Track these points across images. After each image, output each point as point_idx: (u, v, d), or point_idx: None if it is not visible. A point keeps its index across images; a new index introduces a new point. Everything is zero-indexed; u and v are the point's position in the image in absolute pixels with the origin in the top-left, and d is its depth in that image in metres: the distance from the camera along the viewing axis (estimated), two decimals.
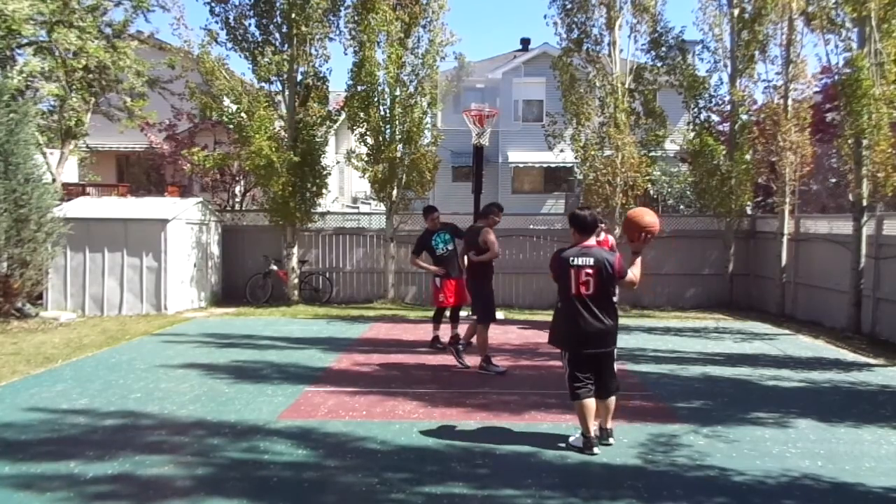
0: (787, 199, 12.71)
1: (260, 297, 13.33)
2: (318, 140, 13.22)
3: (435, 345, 8.79)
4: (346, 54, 13.36)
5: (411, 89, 12.99)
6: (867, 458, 4.97)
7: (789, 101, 12.70)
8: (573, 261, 4.95)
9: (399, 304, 13.51)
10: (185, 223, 12.23)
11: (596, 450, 4.94)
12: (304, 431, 5.38)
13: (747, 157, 13.55)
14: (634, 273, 5.03)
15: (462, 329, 8.22)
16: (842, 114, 10.94)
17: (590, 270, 4.89)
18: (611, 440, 5.12)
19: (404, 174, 13.20)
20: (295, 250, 13.43)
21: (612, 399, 5.14)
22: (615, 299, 5.14)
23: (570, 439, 5.12)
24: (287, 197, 12.76)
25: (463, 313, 12.06)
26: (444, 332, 8.67)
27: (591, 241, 5.13)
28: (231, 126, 13.06)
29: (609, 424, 5.18)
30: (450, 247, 8.44)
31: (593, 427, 5.02)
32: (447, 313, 8.69)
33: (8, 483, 4.30)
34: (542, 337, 9.57)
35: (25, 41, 12.08)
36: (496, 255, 7.65)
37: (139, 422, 5.59)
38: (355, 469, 4.62)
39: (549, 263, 5.20)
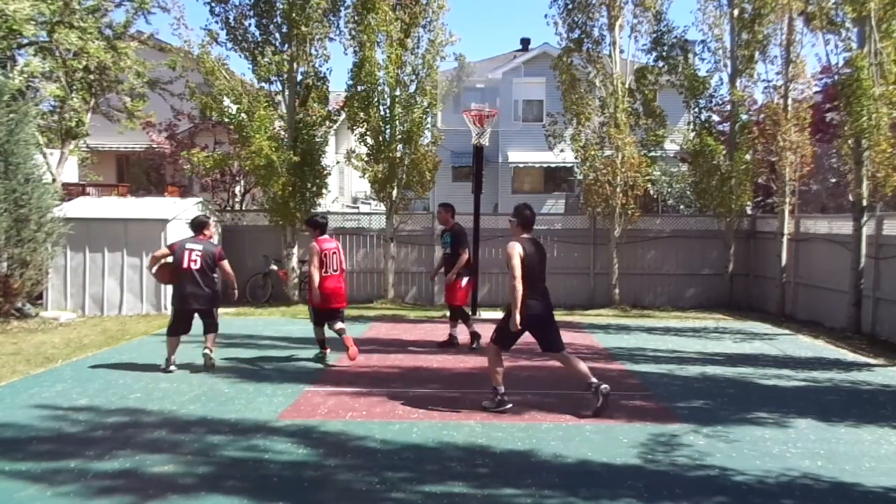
0: (787, 199, 12.71)
1: (260, 297, 13.33)
2: (318, 140, 13.22)
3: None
4: (346, 54, 13.40)
5: (411, 89, 12.99)
6: (867, 458, 4.97)
7: (789, 101, 12.70)
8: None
9: (399, 303, 13.51)
10: (185, 223, 12.19)
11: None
12: (304, 431, 5.39)
13: (747, 157, 13.55)
14: None
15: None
16: (842, 114, 10.94)
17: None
18: None
19: (404, 174, 13.20)
20: (295, 250, 13.43)
21: None
22: None
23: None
24: (287, 197, 12.77)
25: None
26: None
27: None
28: (231, 126, 13.06)
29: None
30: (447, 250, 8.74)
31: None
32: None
33: (8, 482, 4.30)
34: None
35: (26, 41, 12.07)
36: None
37: (139, 421, 5.59)
38: (355, 468, 4.62)
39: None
